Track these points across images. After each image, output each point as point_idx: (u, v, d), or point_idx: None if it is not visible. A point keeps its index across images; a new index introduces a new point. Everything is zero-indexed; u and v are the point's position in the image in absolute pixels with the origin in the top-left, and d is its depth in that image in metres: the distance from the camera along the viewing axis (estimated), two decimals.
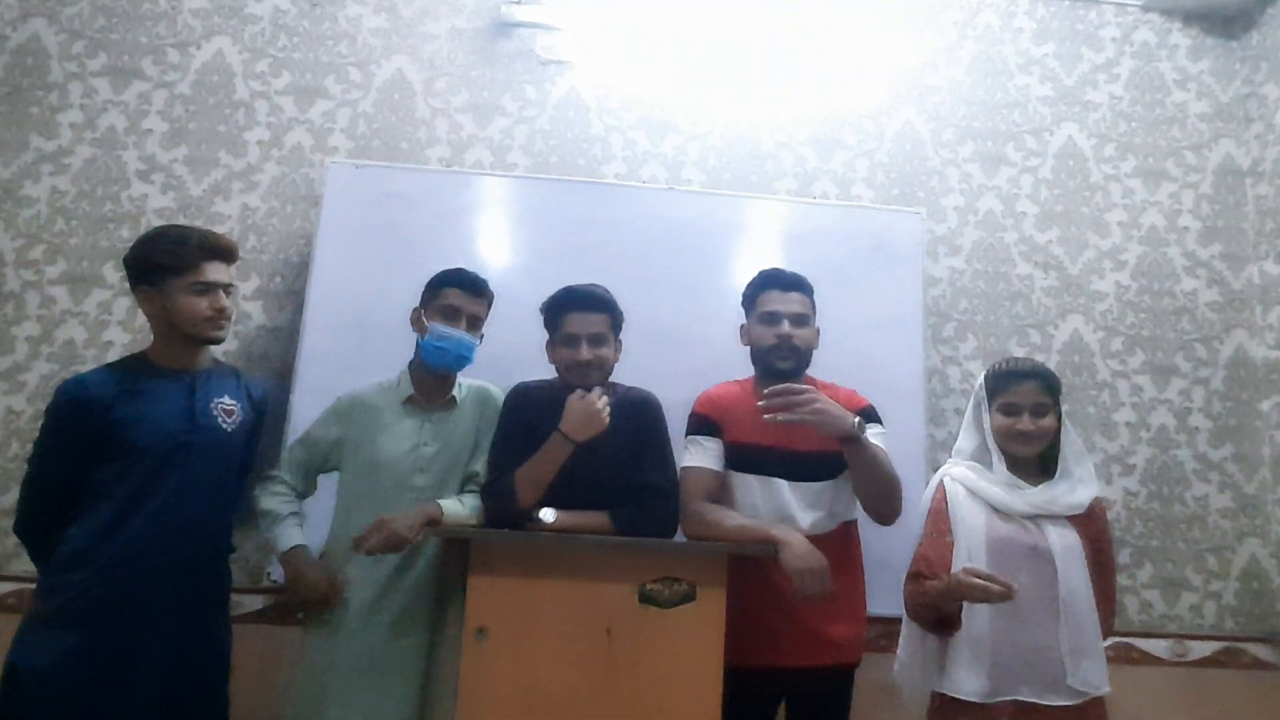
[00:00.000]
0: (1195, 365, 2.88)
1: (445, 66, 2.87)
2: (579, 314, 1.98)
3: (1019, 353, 2.77)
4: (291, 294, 2.63)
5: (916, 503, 1.99)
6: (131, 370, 1.88)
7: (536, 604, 1.70)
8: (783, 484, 1.99)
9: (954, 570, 1.77)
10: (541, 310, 2.05)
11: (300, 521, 2.00)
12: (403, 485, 1.96)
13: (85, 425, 1.79)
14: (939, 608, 1.80)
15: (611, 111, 2.89)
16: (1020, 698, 1.73)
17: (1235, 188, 3.03)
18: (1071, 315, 2.88)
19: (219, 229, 2.48)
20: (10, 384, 2.54)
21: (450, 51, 2.89)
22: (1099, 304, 2.89)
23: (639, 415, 2.00)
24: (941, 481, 1.94)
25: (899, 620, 1.94)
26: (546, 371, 2.07)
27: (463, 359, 2.05)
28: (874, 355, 2.56)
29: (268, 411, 2.12)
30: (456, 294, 2.05)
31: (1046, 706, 1.72)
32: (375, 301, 2.47)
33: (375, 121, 2.81)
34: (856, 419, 1.86)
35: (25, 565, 2.15)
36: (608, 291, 2.04)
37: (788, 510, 1.97)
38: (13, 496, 1.97)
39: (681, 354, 2.49)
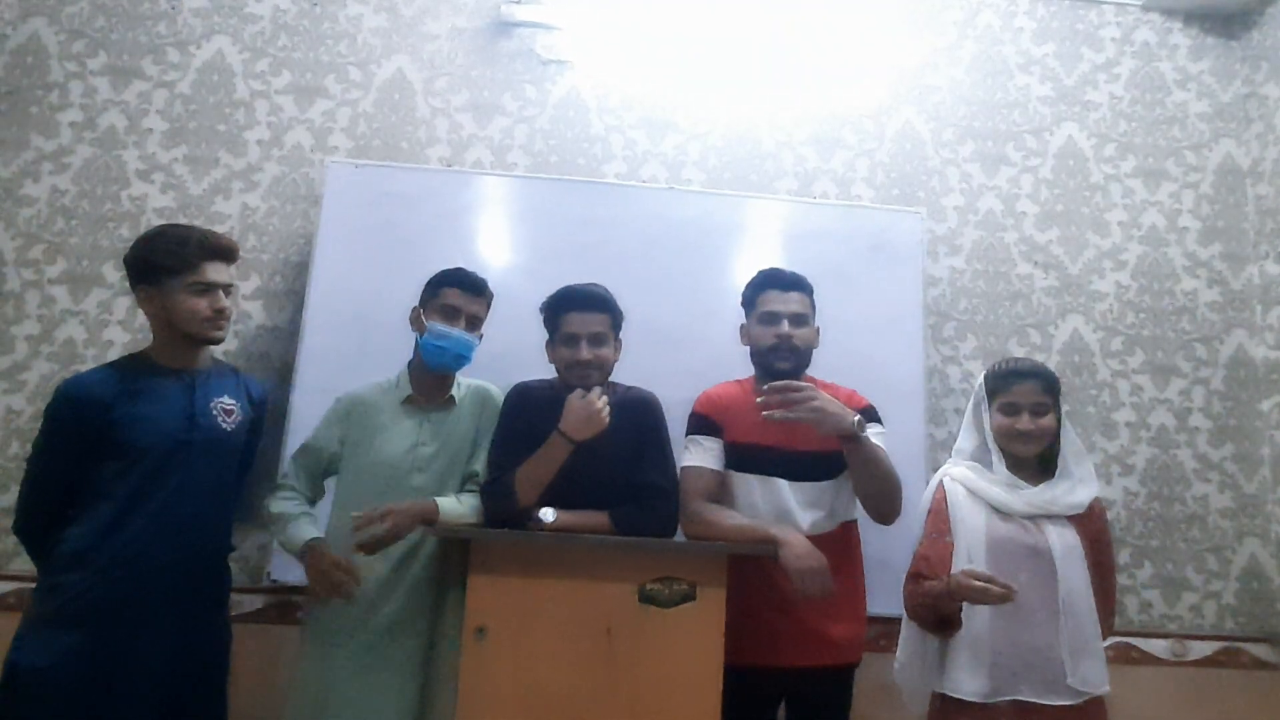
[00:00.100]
0: (1195, 365, 2.88)
1: (445, 66, 2.87)
2: (579, 314, 1.98)
3: (1019, 353, 2.77)
4: (291, 293, 2.63)
5: (916, 503, 1.99)
6: (131, 370, 1.88)
7: (536, 604, 1.70)
8: (783, 484, 1.99)
9: (954, 571, 1.77)
10: (541, 310, 2.05)
11: (313, 520, 1.99)
12: (401, 485, 1.96)
13: (85, 425, 1.79)
14: (939, 608, 1.80)
15: (611, 111, 2.89)
16: (1020, 697, 1.73)
17: (1235, 188, 3.03)
18: (1071, 315, 2.88)
19: (219, 228, 2.48)
20: (10, 383, 2.54)
21: (450, 51, 2.89)
22: (1099, 304, 2.90)
23: (639, 415, 2.00)
24: (941, 481, 1.94)
25: (899, 620, 1.95)
26: (546, 371, 2.07)
27: (461, 358, 2.05)
28: (874, 355, 2.56)
29: (267, 411, 2.12)
30: (456, 293, 2.05)
31: (1047, 706, 1.72)
32: (375, 301, 2.47)
33: (375, 121, 2.81)
34: (856, 418, 1.86)
35: (25, 565, 2.15)
36: (607, 291, 2.04)
37: (788, 510, 1.97)
38: (12, 496, 1.96)
39: (681, 354, 2.49)
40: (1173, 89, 3.08)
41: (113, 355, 2.49)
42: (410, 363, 2.11)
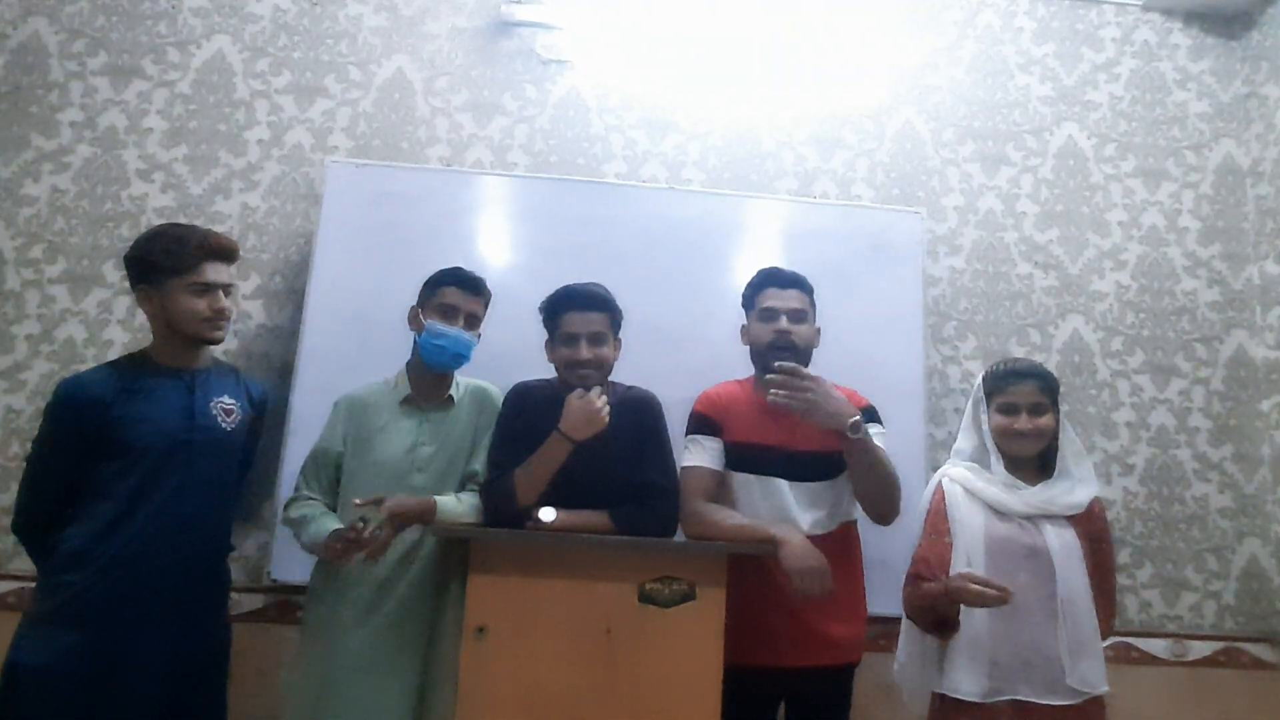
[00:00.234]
0: (1195, 365, 2.88)
1: (445, 66, 2.87)
2: (578, 313, 1.98)
3: (1019, 353, 2.77)
4: (291, 293, 2.63)
5: (916, 503, 1.99)
6: (131, 369, 1.88)
7: (536, 603, 1.70)
8: (783, 484, 1.98)
9: (952, 571, 1.77)
10: (541, 309, 2.05)
11: (335, 518, 1.95)
12: (401, 485, 1.96)
13: (85, 424, 1.79)
14: (937, 610, 1.80)
15: (611, 111, 2.89)
16: (1020, 697, 1.73)
17: (1235, 188, 3.03)
18: (1071, 315, 2.88)
19: (219, 228, 2.48)
20: (10, 383, 2.54)
21: (450, 51, 2.89)
22: (1099, 304, 2.89)
23: (639, 414, 2.00)
24: (940, 482, 1.94)
25: (899, 620, 1.94)
26: (546, 371, 2.06)
27: (460, 357, 2.05)
28: (874, 355, 2.56)
29: (267, 411, 2.12)
30: (454, 292, 2.05)
31: (1046, 706, 1.73)
32: (375, 300, 2.46)
33: (375, 121, 2.81)
34: (856, 417, 1.85)
35: (25, 564, 2.15)
36: (607, 290, 2.04)
37: (788, 510, 1.96)
38: (12, 495, 1.96)
39: (681, 354, 2.49)
40: (1173, 89, 3.08)
41: (113, 355, 2.49)
42: (409, 362, 2.11)
